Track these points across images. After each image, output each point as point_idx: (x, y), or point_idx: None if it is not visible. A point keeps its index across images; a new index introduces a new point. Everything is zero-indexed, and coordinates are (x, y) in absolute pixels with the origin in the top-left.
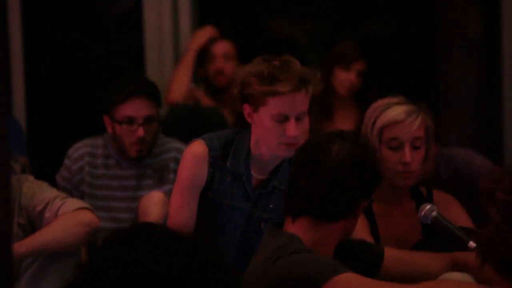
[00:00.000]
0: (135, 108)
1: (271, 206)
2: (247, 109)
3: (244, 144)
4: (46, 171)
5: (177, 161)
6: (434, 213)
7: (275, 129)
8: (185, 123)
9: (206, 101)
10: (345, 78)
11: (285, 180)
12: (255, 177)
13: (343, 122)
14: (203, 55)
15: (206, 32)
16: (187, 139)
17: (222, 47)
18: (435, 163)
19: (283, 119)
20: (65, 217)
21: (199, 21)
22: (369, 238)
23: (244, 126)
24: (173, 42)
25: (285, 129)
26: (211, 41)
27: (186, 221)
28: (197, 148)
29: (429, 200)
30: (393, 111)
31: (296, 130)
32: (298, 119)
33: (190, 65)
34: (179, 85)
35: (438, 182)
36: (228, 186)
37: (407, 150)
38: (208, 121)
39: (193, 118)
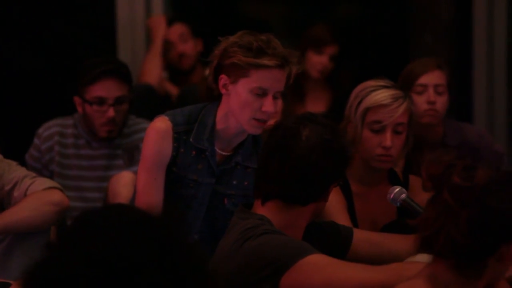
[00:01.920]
0: (106, 88)
1: (234, 182)
2: (223, 79)
3: (209, 119)
4: (15, 150)
5: None
6: (403, 196)
7: (251, 103)
8: (144, 103)
9: (173, 89)
10: (317, 61)
11: (248, 157)
12: (219, 153)
13: (315, 105)
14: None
15: (162, 20)
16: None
17: (176, 31)
18: (443, 129)
19: (262, 93)
20: (34, 196)
21: (171, 2)
22: (346, 217)
23: (210, 101)
24: (145, 22)
25: (262, 104)
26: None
27: (154, 198)
28: (161, 124)
29: (405, 184)
30: (380, 94)
31: (273, 107)
32: (274, 97)
33: (159, 51)
34: (151, 69)
35: (444, 148)
36: (192, 161)
37: (389, 135)
38: (189, 100)
39: (152, 98)
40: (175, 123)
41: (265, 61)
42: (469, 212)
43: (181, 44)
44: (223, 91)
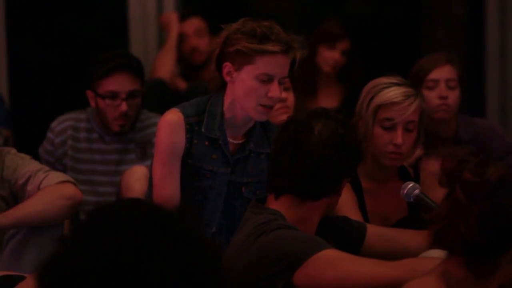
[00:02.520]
0: (119, 83)
1: (249, 169)
2: (227, 67)
3: (217, 108)
4: (29, 144)
5: None
6: (417, 191)
7: (257, 89)
8: (156, 97)
9: (182, 84)
10: (329, 56)
11: (260, 142)
12: (231, 142)
13: (327, 100)
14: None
15: (174, 16)
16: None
17: (192, 25)
18: (456, 125)
19: (267, 79)
20: (48, 190)
21: None
22: (357, 214)
23: (216, 91)
24: (157, 17)
25: (268, 90)
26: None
27: (171, 191)
28: (172, 116)
29: (416, 180)
30: (392, 92)
31: (278, 93)
32: (280, 83)
33: (173, 48)
34: (163, 66)
35: (457, 143)
36: (207, 151)
37: (400, 132)
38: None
39: (164, 93)
40: (186, 115)
41: (269, 46)
42: (480, 208)
43: (196, 39)
44: (227, 78)
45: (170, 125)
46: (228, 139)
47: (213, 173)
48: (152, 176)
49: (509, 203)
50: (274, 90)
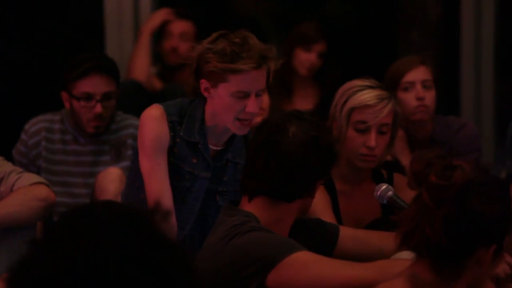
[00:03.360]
0: (94, 84)
1: (225, 178)
2: (204, 84)
3: (197, 113)
4: (2, 145)
5: (135, 137)
6: (390, 193)
7: (233, 105)
8: (131, 99)
9: (158, 84)
10: (305, 58)
11: (238, 153)
12: (211, 148)
13: (303, 102)
14: (162, 33)
15: (161, 14)
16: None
17: (179, 27)
18: (432, 124)
19: (243, 96)
20: (21, 192)
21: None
22: (330, 215)
23: (196, 95)
24: (133, 18)
25: (245, 105)
26: (167, 22)
27: (162, 184)
28: (155, 111)
29: (390, 182)
30: (365, 95)
31: (256, 107)
32: (257, 95)
33: (146, 46)
34: (139, 65)
35: (433, 143)
36: (187, 153)
37: (373, 135)
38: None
39: (140, 94)
40: (168, 112)
41: (240, 65)
42: (445, 211)
43: (178, 40)
44: (205, 94)
45: (154, 119)
46: (209, 145)
47: (193, 176)
48: (142, 172)
49: (475, 207)
50: (251, 105)
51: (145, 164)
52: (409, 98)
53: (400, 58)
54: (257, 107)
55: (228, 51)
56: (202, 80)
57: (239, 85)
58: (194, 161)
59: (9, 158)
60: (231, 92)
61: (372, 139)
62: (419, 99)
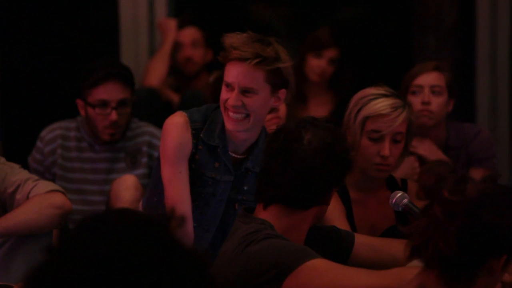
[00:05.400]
0: (109, 91)
1: (245, 187)
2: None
3: (219, 118)
4: (18, 153)
5: (150, 145)
6: (405, 201)
7: (223, 95)
8: (146, 106)
9: (174, 97)
10: (316, 64)
11: (258, 162)
12: (231, 155)
13: (317, 109)
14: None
15: (173, 23)
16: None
17: (189, 35)
18: (446, 132)
19: (229, 88)
20: (37, 199)
21: (175, 6)
22: (345, 224)
23: (215, 97)
24: (149, 25)
25: (228, 97)
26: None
27: (181, 191)
28: (178, 118)
29: (404, 190)
30: (379, 103)
31: (234, 100)
32: (242, 91)
33: (167, 54)
34: (155, 72)
35: (447, 150)
36: (210, 159)
37: (387, 144)
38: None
39: (155, 102)
40: (192, 120)
41: (228, 53)
42: (458, 226)
43: (191, 49)
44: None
45: (177, 126)
46: (229, 152)
47: (215, 181)
48: (162, 179)
49: (487, 219)
50: (232, 99)
51: (166, 171)
52: (416, 102)
53: (420, 63)
54: (235, 102)
55: (227, 43)
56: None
57: (227, 75)
58: (216, 165)
59: (25, 166)
60: (224, 82)
61: (386, 148)
62: (424, 103)
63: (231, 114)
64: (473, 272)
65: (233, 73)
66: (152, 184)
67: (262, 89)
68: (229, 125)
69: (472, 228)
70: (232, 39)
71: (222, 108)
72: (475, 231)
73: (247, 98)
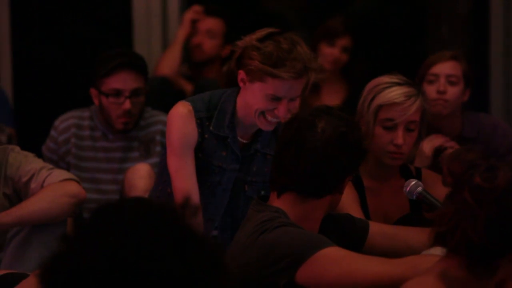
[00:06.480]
0: (122, 80)
1: (254, 169)
2: (241, 75)
3: (229, 106)
4: (32, 142)
5: (163, 133)
6: (420, 189)
7: (264, 104)
8: (159, 95)
9: (187, 86)
10: (329, 53)
11: (267, 143)
12: (240, 140)
13: (331, 97)
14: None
15: (190, 13)
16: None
17: (207, 24)
18: (461, 122)
19: (276, 99)
20: (51, 188)
21: None
22: (359, 212)
23: (230, 87)
24: (162, 16)
25: (276, 107)
26: (197, 20)
27: (188, 182)
28: (182, 108)
29: (418, 178)
30: (393, 92)
31: (285, 112)
32: (291, 100)
33: (180, 44)
34: (169, 61)
35: (462, 141)
36: (216, 147)
37: (400, 132)
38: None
39: (168, 91)
40: (196, 109)
41: (282, 72)
42: (487, 212)
43: (204, 37)
44: (241, 84)
45: (181, 117)
46: (238, 137)
47: (222, 170)
48: (168, 170)
49: None
50: (281, 109)
51: (172, 162)
52: (431, 91)
53: (438, 51)
54: (287, 112)
55: (274, 55)
56: (241, 71)
57: (275, 89)
58: (224, 154)
59: (39, 155)
60: (266, 93)
61: (399, 137)
62: (440, 92)
63: (270, 118)
64: (496, 260)
65: (285, 88)
66: (159, 172)
67: (302, 91)
68: (264, 127)
69: (501, 215)
70: (279, 53)
71: (254, 113)
72: (504, 219)
73: (293, 103)
